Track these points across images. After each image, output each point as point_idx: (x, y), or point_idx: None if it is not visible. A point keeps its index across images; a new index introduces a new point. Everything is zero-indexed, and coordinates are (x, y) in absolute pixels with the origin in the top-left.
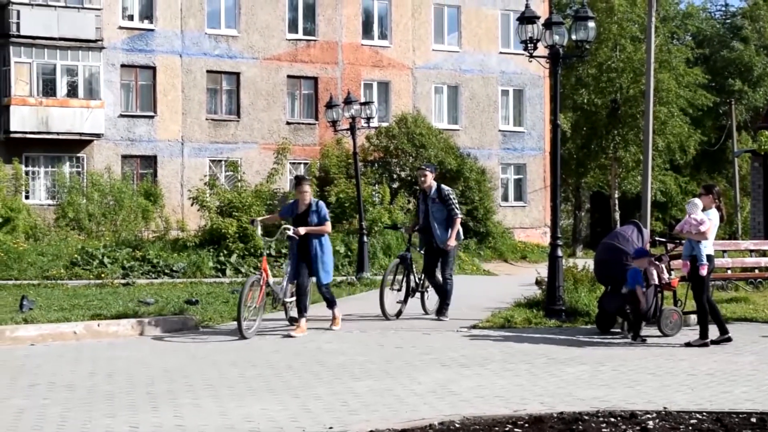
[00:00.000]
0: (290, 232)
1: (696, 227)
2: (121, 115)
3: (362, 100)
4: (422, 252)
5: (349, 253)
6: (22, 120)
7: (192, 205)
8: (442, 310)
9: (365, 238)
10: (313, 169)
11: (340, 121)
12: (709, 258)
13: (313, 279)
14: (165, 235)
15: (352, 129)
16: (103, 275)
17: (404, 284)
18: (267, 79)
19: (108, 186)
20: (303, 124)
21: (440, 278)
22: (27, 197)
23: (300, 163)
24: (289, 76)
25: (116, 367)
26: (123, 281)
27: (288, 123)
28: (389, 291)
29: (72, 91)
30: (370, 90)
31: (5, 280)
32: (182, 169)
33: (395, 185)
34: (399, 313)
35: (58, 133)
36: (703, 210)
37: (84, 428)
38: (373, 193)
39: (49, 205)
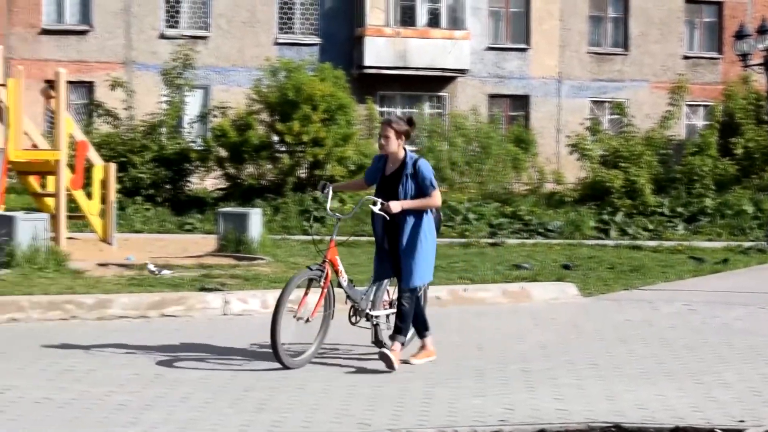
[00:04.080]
0: (377, 208)
1: None
2: (489, 48)
3: None
4: None
5: (758, 213)
6: (377, 53)
7: (570, 153)
8: None
9: None
10: (715, 112)
11: (750, 55)
12: None
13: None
14: (538, 188)
15: (766, 64)
16: (467, 233)
17: None
18: (660, 5)
19: (473, 130)
20: (703, 58)
21: None
22: None
23: (698, 105)
24: (687, 1)
25: (486, 339)
26: (490, 240)
27: (685, 57)
28: None
29: (433, 20)
30: None
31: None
32: (558, 111)
33: None
34: None
35: (416, 69)
36: None
37: (450, 408)
38: None
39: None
